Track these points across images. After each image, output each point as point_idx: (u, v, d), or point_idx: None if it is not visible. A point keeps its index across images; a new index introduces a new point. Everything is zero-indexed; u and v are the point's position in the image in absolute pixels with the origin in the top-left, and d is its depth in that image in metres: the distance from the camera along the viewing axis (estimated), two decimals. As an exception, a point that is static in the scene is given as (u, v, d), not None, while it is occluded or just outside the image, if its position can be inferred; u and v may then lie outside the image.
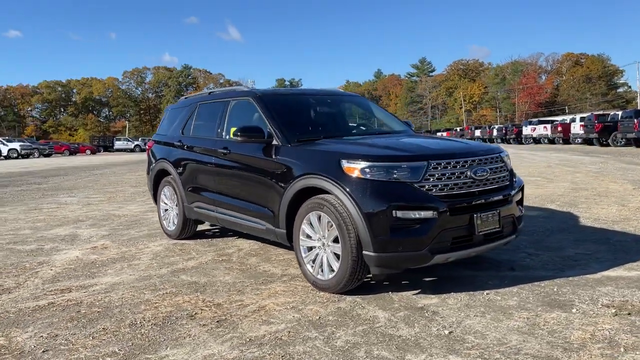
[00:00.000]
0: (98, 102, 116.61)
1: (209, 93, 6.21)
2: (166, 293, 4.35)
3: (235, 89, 5.72)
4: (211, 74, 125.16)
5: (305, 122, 5.22)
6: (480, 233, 3.98)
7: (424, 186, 3.83)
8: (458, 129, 67.57)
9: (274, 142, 4.68)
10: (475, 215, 3.93)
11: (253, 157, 4.88)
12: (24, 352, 3.27)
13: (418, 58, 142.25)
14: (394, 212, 3.74)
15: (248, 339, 3.33)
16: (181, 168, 6.10)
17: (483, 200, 4.05)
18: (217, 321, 3.67)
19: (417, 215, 3.78)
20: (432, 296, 4.03)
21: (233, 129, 5.18)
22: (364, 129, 5.54)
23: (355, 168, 3.89)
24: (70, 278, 4.92)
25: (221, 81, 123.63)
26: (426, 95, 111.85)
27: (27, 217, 8.89)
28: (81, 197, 11.77)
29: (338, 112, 5.71)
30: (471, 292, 4.08)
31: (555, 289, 4.09)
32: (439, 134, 64.62)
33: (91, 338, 3.45)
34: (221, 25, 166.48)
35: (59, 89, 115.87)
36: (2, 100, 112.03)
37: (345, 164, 3.96)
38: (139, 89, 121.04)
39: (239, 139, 4.78)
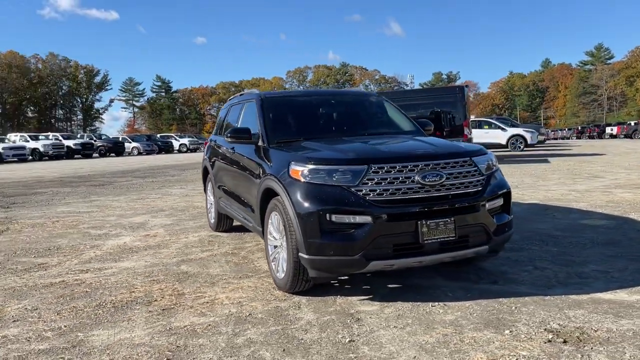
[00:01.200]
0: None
1: (240, 95, 6.58)
2: (152, 280, 4.80)
3: (251, 91, 6.01)
4: (367, 70, 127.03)
5: (293, 124, 5.33)
6: (426, 241, 3.78)
7: (361, 190, 3.75)
8: (632, 122, 60.33)
9: (259, 142, 4.89)
10: (419, 222, 3.75)
11: (245, 157, 5.16)
12: (1, 318, 3.91)
13: (593, 44, 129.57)
14: (328, 215, 3.74)
15: (169, 328, 3.60)
16: (213, 166, 6.59)
17: (431, 207, 3.83)
18: (164, 309, 4.00)
19: (351, 220, 3.73)
20: (375, 303, 3.93)
21: None
22: (359, 130, 5.45)
23: (298, 171, 3.95)
24: (99, 261, 5.63)
25: (376, 77, 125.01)
26: (602, 85, 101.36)
27: (127, 205, 10.15)
28: (189, 189, 12.99)
29: (339, 112, 5.69)
30: (418, 303, 3.90)
31: (512, 308, 3.73)
32: (608, 128, 58.15)
33: (56, 314, 3.99)
34: (383, 21, 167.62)
35: (232, 89, 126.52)
36: (187, 100, 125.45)
37: (292, 166, 4.04)
38: (301, 87, 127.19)
39: (228, 139, 5.06)
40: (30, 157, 36.30)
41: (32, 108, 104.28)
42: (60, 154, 37.81)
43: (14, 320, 3.87)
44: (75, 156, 40.24)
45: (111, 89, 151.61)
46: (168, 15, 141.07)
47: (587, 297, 3.89)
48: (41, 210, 9.90)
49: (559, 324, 3.40)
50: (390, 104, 5.84)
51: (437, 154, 4.07)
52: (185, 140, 50.81)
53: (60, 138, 41.02)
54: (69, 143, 39.52)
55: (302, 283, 4.07)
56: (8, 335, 3.59)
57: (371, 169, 3.79)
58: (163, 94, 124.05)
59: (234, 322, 3.66)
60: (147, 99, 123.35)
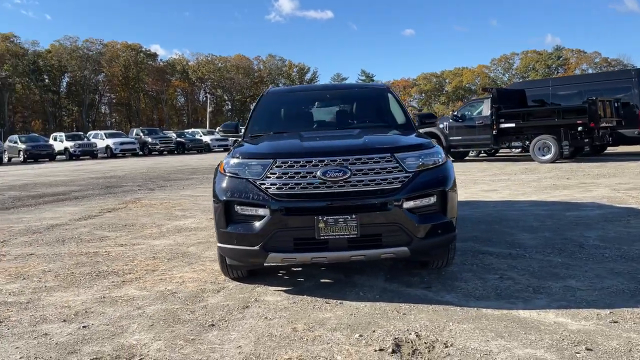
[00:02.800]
0: (467, 91, 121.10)
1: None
2: (154, 257, 5.50)
3: (270, 87, 6.34)
4: (585, 53, 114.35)
5: (274, 119, 5.54)
6: (323, 237, 3.78)
7: (264, 184, 3.90)
8: None
9: (243, 136, 5.26)
10: (316, 218, 3.77)
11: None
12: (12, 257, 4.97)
13: None
14: (234, 206, 3.98)
15: (105, 297, 4.22)
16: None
17: (330, 203, 3.80)
18: (123, 282, 4.64)
19: (253, 212, 3.91)
20: (282, 295, 4.04)
21: None
22: (338, 124, 5.41)
23: (223, 164, 4.24)
24: (145, 238, 6.56)
25: (596, 60, 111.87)
26: None
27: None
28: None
29: (329, 106, 5.71)
30: (319, 298, 3.91)
31: (396, 313, 3.54)
32: None
33: (55, 276, 4.90)
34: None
35: (434, 80, 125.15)
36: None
37: (223, 160, 4.34)
38: (506, 75, 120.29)
39: (220, 134, 5.51)
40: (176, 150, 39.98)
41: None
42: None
43: (17, 277, 4.86)
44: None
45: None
46: (380, 9, 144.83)
47: (501, 313, 3.47)
48: (167, 193, 11.52)
49: (416, 335, 3.16)
50: (394, 98, 5.64)
51: (348, 149, 3.98)
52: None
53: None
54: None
55: (231, 270, 4.33)
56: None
57: (275, 163, 3.90)
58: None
59: (155, 298, 4.12)
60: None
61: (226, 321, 3.54)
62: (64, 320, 3.68)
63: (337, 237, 3.75)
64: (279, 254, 3.83)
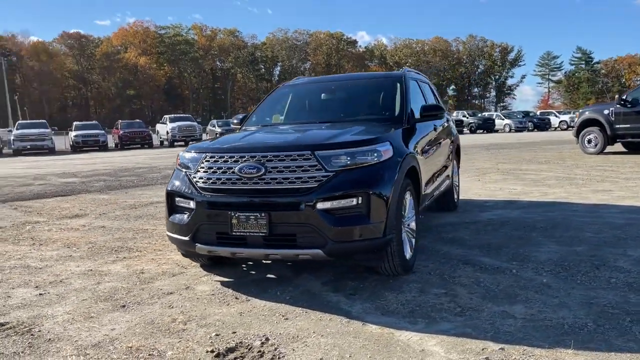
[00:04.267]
0: None
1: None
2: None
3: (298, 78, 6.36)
4: None
5: (273, 112, 5.53)
6: (235, 234, 3.83)
7: (194, 178, 4.08)
8: None
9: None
10: (230, 213, 3.84)
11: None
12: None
13: None
14: (175, 198, 4.24)
15: (88, 269, 4.84)
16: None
17: (243, 199, 3.81)
18: (124, 257, 5.23)
19: (185, 204, 4.12)
20: (215, 286, 4.16)
21: None
22: (327, 116, 5.17)
23: (178, 157, 4.49)
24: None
25: None
26: None
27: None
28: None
29: (328, 99, 5.49)
30: (232, 292, 3.96)
31: (261, 316, 3.45)
32: None
33: (90, 246, 5.72)
34: None
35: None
36: (610, 71, 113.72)
37: None
38: None
39: (233, 126, 5.75)
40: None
41: (453, 87, 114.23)
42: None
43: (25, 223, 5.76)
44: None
45: (524, 64, 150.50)
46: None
47: (382, 332, 3.17)
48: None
49: (260, 342, 3.07)
50: (403, 88, 5.22)
51: (267, 147, 3.91)
52: (566, 117, 46.19)
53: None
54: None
55: (190, 257, 4.59)
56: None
57: (205, 157, 4.03)
58: (582, 66, 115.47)
59: (123, 276, 4.57)
60: (565, 72, 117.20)
61: (139, 304, 3.80)
62: (36, 287, 4.30)
63: (248, 234, 3.74)
64: (205, 246, 3.95)
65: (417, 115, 4.88)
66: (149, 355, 2.96)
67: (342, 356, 2.84)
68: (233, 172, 3.82)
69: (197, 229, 3.94)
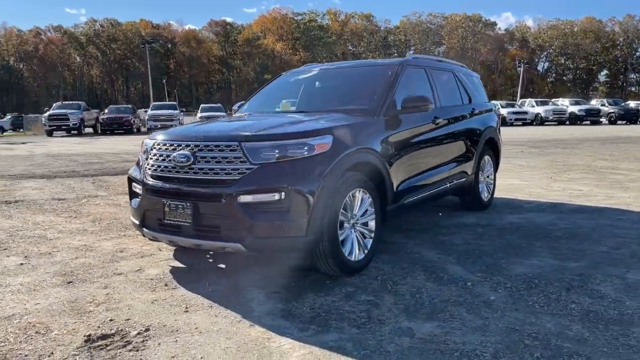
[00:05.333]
0: None
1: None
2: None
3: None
4: None
5: (263, 101, 5.42)
6: (167, 221, 3.88)
7: (145, 164, 4.19)
8: None
9: None
10: (164, 201, 3.90)
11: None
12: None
13: None
14: (132, 183, 4.40)
15: (88, 244, 5.20)
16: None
17: (173, 188, 3.83)
18: (124, 235, 5.54)
19: (136, 189, 4.26)
20: (163, 266, 4.26)
21: None
22: (312, 105, 4.95)
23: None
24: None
25: None
26: None
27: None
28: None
29: (325, 87, 5.26)
30: (163, 275, 4.02)
31: (178, 307, 3.44)
32: None
33: (110, 221, 6.15)
34: None
35: None
36: None
37: None
38: None
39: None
40: (533, 122, 37.65)
41: (605, 72, 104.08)
42: (561, 119, 37.42)
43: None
44: (581, 122, 38.30)
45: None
46: None
47: (236, 328, 3.05)
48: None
49: (125, 330, 3.10)
50: (394, 76, 4.85)
51: (199, 136, 3.85)
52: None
53: (567, 103, 40.04)
54: (574, 109, 38.26)
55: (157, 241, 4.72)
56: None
57: (155, 145, 4.11)
58: None
59: (101, 254, 4.86)
60: None
61: (83, 282, 4.00)
62: (25, 257, 4.71)
63: (178, 223, 3.76)
64: (150, 232, 4.04)
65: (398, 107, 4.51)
66: (36, 332, 3.10)
67: (195, 356, 2.75)
68: (170, 160, 3.84)
69: (144, 214, 4.03)
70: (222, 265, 4.33)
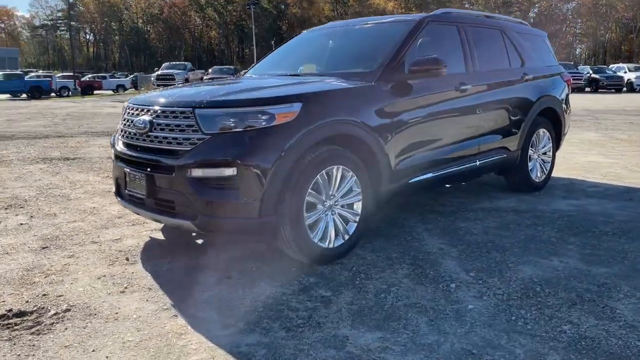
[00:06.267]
0: None
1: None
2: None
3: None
4: None
5: (276, 61, 4.94)
6: (127, 192, 3.65)
7: (119, 129, 3.97)
8: None
9: None
10: (126, 170, 3.66)
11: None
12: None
13: None
14: (113, 148, 4.20)
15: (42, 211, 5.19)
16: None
17: (132, 156, 3.56)
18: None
19: (113, 155, 4.06)
20: (138, 237, 4.08)
21: None
22: (319, 66, 4.37)
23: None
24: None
25: None
26: None
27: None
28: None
29: (336, 47, 4.66)
30: (123, 248, 3.81)
31: (116, 287, 3.20)
32: None
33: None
34: None
35: None
36: None
37: None
38: None
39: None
40: (625, 89, 33.32)
41: None
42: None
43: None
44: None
45: None
46: None
47: (157, 318, 2.73)
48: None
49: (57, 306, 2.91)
50: (407, 34, 4.16)
51: (159, 101, 3.51)
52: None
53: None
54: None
55: None
56: None
57: (127, 108, 3.86)
58: None
59: (102, 219, 4.79)
60: None
61: (58, 248, 3.91)
62: (30, 217, 4.76)
63: (136, 194, 3.51)
64: (121, 201, 3.84)
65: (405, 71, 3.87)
66: (-33, 301, 3.00)
67: (88, 349, 2.48)
68: (132, 126, 3.56)
69: (116, 182, 3.82)
70: (200, 241, 4.03)
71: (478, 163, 4.57)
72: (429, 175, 4.06)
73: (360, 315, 2.77)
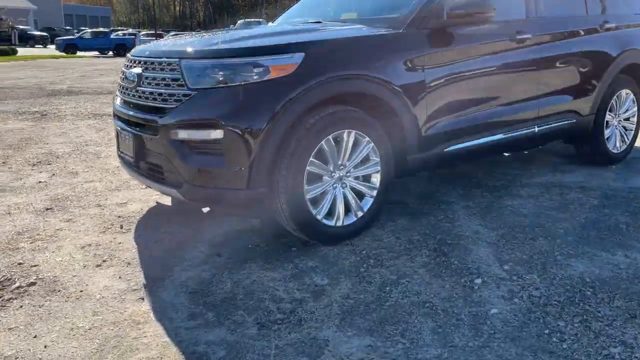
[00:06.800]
0: None
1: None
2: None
3: None
4: None
5: (309, 6, 4.32)
6: (120, 154, 3.32)
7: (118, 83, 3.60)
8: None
9: None
10: (118, 128, 3.32)
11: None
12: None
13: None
14: None
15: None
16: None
17: (123, 113, 3.19)
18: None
19: (117, 114, 3.73)
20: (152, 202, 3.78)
21: None
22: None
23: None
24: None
25: None
26: None
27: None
28: None
29: None
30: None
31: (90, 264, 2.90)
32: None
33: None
34: None
35: None
36: None
37: None
38: None
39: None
40: None
41: None
42: None
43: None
44: None
45: None
46: None
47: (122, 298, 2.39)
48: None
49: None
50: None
51: (150, 50, 3.09)
52: None
53: None
54: None
55: None
56: None
57: (125, 62, 3.49)
58: None
59: (119, 181, 4.56)
60: None
61: (62, 210, 3.69)
62: (52, 175, 4.60)
63: (126, 156, 3.17)
64: (125, 167, 3.50)
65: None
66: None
67: (31, 333, 2.18)
68: (125, 80, 3.20)
69: (118, 143, 3.49)
70: (206, 210, 3.65)
71: (537, 130, 3.84)
72: (469, 143, 3.41)
73: (352, 314, 2.27)
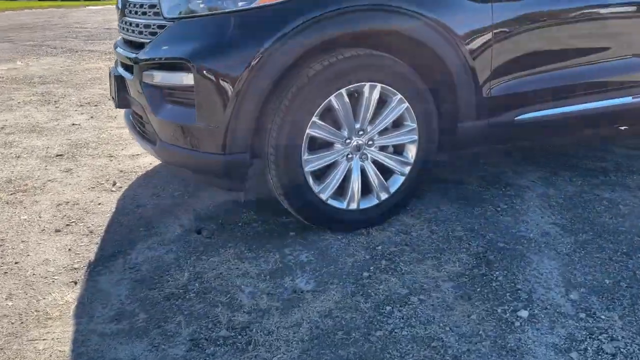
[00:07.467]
0: None
1: None
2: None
3: None
4: None
5: None
6: (111, 97, 2.82)
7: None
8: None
9: None
10: (109, 69, 2.82)
11: None
12: None
13: None
14: None
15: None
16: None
17: (114, 50, 2.69)
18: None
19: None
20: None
21: None
22: None
23: None
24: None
25: None
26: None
27: None
28: None
29: None
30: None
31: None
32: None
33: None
34: None
35: None
36: None
37: None
38: None
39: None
40: None
41: None
42: None
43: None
44: None
45: None
46: None
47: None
48: None
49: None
50: None
51: None
52: None
53: None
54: None
55: None
56: None
57: None
58: None
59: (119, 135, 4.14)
60: None
61: (70, 157, 3.35)
62: (91, 117, 4.32)
63: (113, 100, 2.67)
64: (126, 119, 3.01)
65: None
66: None
67: None
68: (117, 9, 2.65)
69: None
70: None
71: (632, 99, 2.76)
72: (548, 111, 2.47)
73: (322, 344, 1.60)
